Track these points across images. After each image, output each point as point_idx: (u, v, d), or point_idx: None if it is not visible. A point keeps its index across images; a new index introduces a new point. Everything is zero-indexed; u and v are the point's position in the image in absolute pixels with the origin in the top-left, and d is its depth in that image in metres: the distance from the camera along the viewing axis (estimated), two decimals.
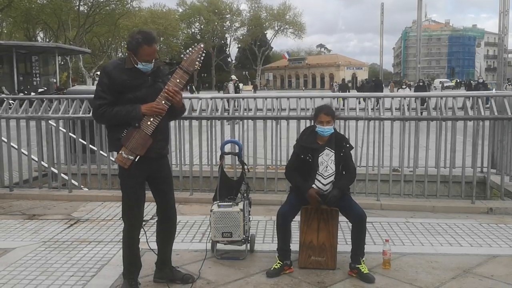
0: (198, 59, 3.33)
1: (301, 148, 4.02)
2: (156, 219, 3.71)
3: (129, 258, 3.54)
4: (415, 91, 21.01)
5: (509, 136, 6.39)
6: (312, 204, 3.94)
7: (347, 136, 6.12)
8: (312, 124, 4.16)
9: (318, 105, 4.22)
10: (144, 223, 3.55)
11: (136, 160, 3.29)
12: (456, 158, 6.61)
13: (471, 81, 34.27)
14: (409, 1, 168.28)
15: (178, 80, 3.32)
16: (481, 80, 25.40)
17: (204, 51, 3.39)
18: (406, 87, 26.87)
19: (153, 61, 3.34)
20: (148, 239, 3.61)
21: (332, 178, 3.93)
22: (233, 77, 26.62)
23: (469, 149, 6.34)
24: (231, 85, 23.15)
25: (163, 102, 3.30)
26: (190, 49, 3.36)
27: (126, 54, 3.40)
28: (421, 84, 24.96)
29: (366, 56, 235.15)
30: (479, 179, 6.53)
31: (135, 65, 3.31)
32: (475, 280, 3.76)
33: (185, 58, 3.34)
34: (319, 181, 3.92)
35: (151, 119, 3.30)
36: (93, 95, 3.48)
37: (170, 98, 3.29)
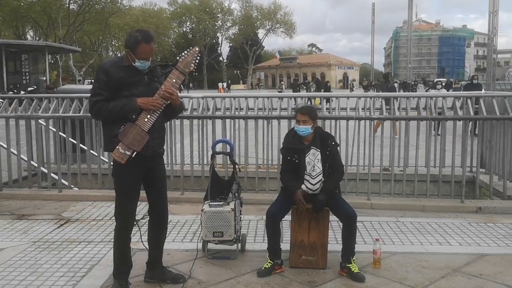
0: (194, 61, 3.39)
1: (287, 150, 4.04)
2: (148, 218, 3.71)
3: (120, 258, 3.53)
4: (464, 90, 17.90)
5: (497, 136, 6.46)
6: (298, 206, 3.95)
7: (337, 136, 6.17)
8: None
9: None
10: (135, 222, 3.55)
11: (133, 156, 3.29)
12: (446, 158, 6.66)
13: (452, 81, 33.20)
14: (397, 1, 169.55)
15: (174, 80, 3.36)
16: None
17: (199, 55, 3.44)
18: (441, 88, 23.39)
19: (150, 59, 3.36)
20: (142, 238, 3.61)
21: (320, 177, 3.94)
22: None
23: (458, 148, 6.39)
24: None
25: (160, 100, 3.33)
26: (186, 51, 3.42)
27: (124, 52, 3.41)
28: (475, 82, 18.13)
29: (356, 56, 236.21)
30: (469, 179, 6.59)
31: (132, 63, 3.33)
32: (464, 279, 3.80)
33: (180, 60, 3.38)
34: (307, 181, 3.93)
35: (148, 116, 3.32)
36: (83, 94, 3.48)
37: (167, 96, 3.32)
